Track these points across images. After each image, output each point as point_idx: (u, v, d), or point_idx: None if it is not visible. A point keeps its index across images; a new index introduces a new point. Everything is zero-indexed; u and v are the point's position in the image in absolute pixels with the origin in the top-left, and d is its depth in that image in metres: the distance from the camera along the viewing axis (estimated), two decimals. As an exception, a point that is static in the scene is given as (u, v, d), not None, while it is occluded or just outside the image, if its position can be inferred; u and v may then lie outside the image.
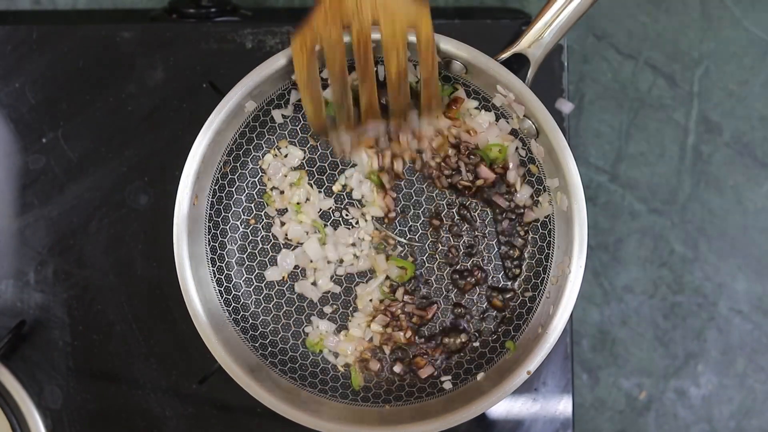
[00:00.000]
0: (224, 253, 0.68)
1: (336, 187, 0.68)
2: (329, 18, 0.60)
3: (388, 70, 0.62)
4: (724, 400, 0.82)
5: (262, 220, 0.68)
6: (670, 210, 0.81)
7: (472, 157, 0.67)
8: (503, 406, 0.72)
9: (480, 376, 0.67)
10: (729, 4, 0.81)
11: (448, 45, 0.64)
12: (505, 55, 0.65)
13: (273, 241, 0.68)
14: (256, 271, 0.68)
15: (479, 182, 0.67)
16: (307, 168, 0.68)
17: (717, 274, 0.82)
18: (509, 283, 0.68)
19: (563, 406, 0.72)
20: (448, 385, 0.67)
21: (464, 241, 0.68)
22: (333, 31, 0.60)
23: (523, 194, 0.67)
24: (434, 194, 0.68)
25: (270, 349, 0.68)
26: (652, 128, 0.81)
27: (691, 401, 0.82)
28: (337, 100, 0.63)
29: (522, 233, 0.68)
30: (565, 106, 0.70)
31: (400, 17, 0.61)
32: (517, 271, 0.68)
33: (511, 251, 0.68)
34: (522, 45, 0.64)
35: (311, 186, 0.68)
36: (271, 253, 0.68)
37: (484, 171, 0.67)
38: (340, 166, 0.68)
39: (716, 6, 0.81)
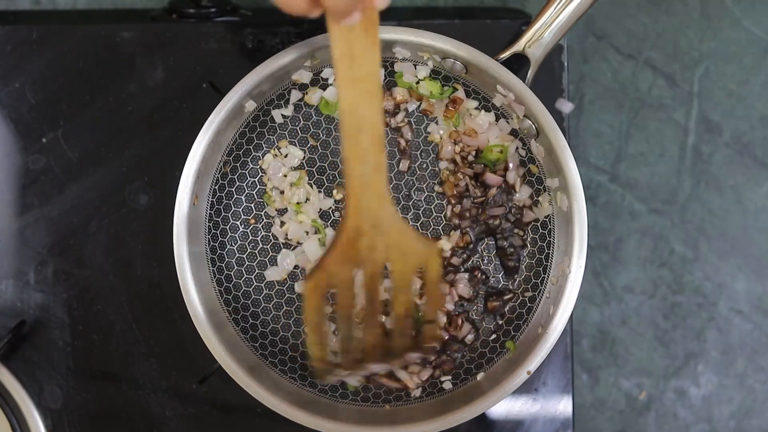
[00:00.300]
0: (224, 253, 0.68)
1: (337, 194, 0.68)
2: (343, 259, 0.59)
3: (395, 308, 0.61)
4: (724, 400, 0.82)
5: (262, 220, 0.68)
6: (670, 210, 0.81)
7: (474, 165, 0.67)
8: (503, 406, 0.72)
9: (480, 376, 0.67)
10: (729, 4, 0.81)
11: (448, 45, 0.64)
12: (505, 55, 0.65)
13: (273, 241, 0.68)
14: (256, 271, 0.68)
15: (492, 192, 0.67)
16: (307, 168, 0.68)
17: (717, 274, 0.82)
18: (509, 284, 0.68)
19: (563, 406, 0.72)
20: (448, 385, 0.67)
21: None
22: (345, 273, 0.59)
23: (522, 194, 0.67)
24: (434, 194, 0.68)
25: (270, 349, 0.68)
26: (652, 128, 0.81)
27: (691, 401, 0.82)
28: (343, 341, 0.61)
29: (522, 233, 0.68)
30: (565, 106, 0.70)
31: (411, 258, 0.60)
32: (516, 272, 0.68)
33: (511, 251, 0.68)
34: (522, 45, 0.65)
35: (311, 186, 0.68)
36: (271, 253, 0.68)
37: (491, 177, 0.67)
38: (340, 166, 0.68)
39: (716, 6, 0.81)
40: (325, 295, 0.61)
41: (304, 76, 0.67)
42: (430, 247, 0.61)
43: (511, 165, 0.67)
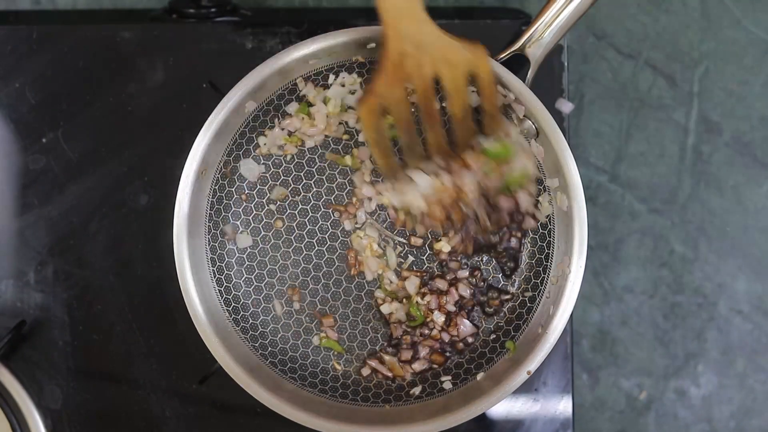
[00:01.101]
0: (224, 253, 0.68)
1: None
2: (392, 81, 0.60)
3: (453, 111, 0.63)
4: (724, 400, 0.82)
5: (262, 220, 0.68)
6: (670, 210, 0.81)
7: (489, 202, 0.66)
8: (503, 406, 0.72)
9: (480, 376, 0.67)
10: (729, 4, 0.81)
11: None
12: (505, 55, 0.65)
13: (273, 241, 0.68)
14: (256, 271, 0.68)
15: (503, 219, 0.66)
16: (307, 168, 0.68)
17: (717, 274, 0.82)
18: (508, 284, 0.68)
19: (563, 406, 0.72)
20: (448, 385, 0.67)
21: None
22: (397, 93, 0.61)
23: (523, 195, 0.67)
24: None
25: (270, 349, 0.68)
26: (652, 128, 0.81)
27: (691, 401, 0.82)
28: (407, 147, 0.64)
29: (521, 233, 0.68)
30: (565, 106, 0.70)
31: (461, 66, 0.61)
32: (516, 272, 0.68)
33: (512, 253, 0.68)
34: (522, 45, 0.65)
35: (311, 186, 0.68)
36: (271, 253, 0.68)
37: (504, 201, 0.66)
38: (341, 165, 0.68)
39: (716, 6, 0.81)
40: (381, 115, 0.62)
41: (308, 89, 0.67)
42: (477, 52, 0.61)
43: (530, 190, 0.66)
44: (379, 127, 0.62)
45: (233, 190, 0.68)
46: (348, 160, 0.68)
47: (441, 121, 0.63)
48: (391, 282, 0.68)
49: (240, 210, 0.68)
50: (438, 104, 0.64)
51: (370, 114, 0.61)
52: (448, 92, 0.62)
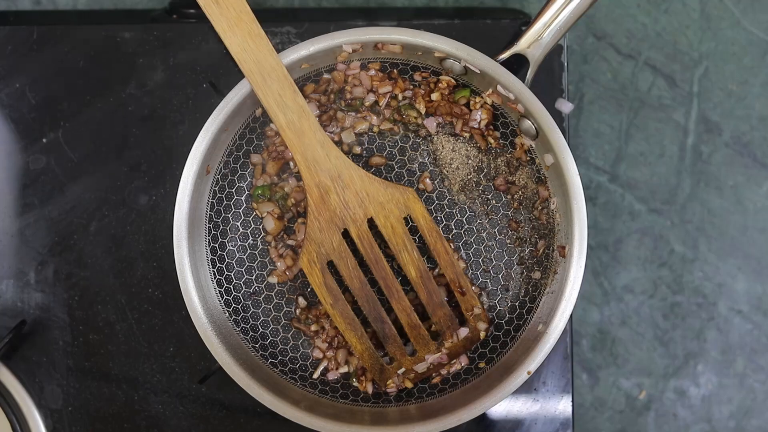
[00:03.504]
0: (224, 253, 0.68)
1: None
2: (323, 225, 0.58)
3: (408, 272, 0.60)
4: (724, 399, 0.82)
5: (262, 220, 0.68)
6: (669, 210, 0.81)
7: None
8: (503, 406, 0.72)
9: (480, 375, 0.67)
10: (729, 4, 0.81)
11: (448, 45, 0.64)
12: (505, 56, 0.65)
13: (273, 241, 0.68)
14: (256, 271, 0.68)
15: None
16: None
17: (717, 274, 0.82)
18: (508, 284, 0.68)
19: (563, 406, 0.72)
20: (447, 385, 0.67)
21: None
22: (333, 238, 0.58)
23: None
24: (434, 195, 0.68)
25: (270, 349, 0.68)
26: (652, 128, 0.81)
27: (691, 401, 0.82)
28: (371, 316, 0.60)
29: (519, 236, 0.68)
30: (565, 106, 0.70)
31: (389, 204, 0.59)
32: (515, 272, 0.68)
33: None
34: (522, 45, 0.65)
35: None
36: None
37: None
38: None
39: (716, 6, 0.81)
40: (325, 267, 0.60)
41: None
42: (402, 191, 0.59)
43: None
44: (329, 281, 0.59)
45: (233, 190, 0.68)
46: None
47: (397, 282, 0.60)
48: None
49: (240, 211, 0.68)
50: (388, 265, 0.60)
51: (313, 265, 0.58)
52: (393, 250, 0.58)
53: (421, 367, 0.63)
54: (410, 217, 0.60)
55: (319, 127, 0.58)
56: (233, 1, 0.56)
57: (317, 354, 0.67)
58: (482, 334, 0.64)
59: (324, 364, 0.67)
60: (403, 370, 0.62)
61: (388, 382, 0.63)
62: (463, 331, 0.63)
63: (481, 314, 0.62)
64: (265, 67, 0.56)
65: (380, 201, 0.58)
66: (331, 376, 0.67)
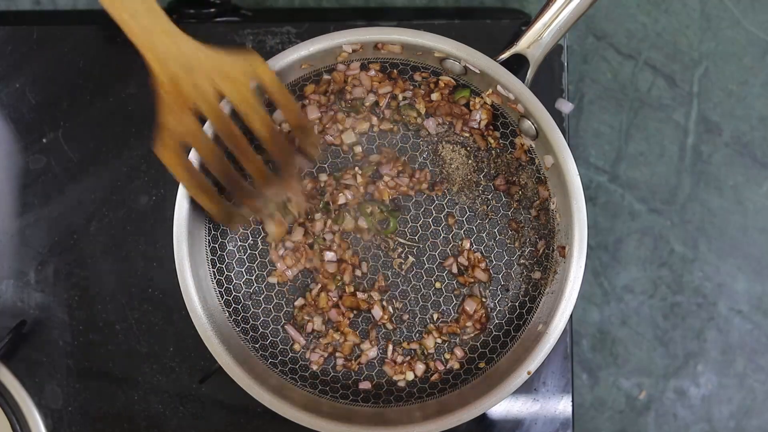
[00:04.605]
0: (224, 253, 0.68)
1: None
2: (175, 109, 0.58)
3: (257, 133, 0.61)
4: (724, 399, 0.82)
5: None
6: (669, 210, 0.81)
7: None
8: (503, 406, 0.72)
9: (480, 375, 0.67)
10: (729, 4, 0.81)
11: (448, 45, 0.64)
12: (505, 56, 0.65)
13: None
14: (256, 271, 0.68)
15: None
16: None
17: (717, 274, 0.82)
18: (509, 284, 0.68)
19: (563, 406, 0.72)
20: (447, 385, 0.67)
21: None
22: (187, 122, 0.58)
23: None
24: (433, 195, 0.68)
25: (270, 349, 0.68)
26: (652, 128, 0.81)
27: (691, 401, 0.82)
28: (228, 183, 0.62)
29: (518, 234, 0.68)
30: (565, 106, 0.70)
31: (239, 77, 0.59)
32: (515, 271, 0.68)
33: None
34: (521, 45, 0.65)
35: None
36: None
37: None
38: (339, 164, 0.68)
39: (716, 6, 0.81)
40: (182, 149, 0.60)
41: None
42: (249, 57, 0.59)
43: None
44: (187, 164, 0.59)
45: (233, 190, 0.68)
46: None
47: (249, 145, 0.61)
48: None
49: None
50: (238, 127, 0.61)
51: (170, 154, 0.58)
52: (239, 110, 0.59)
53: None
54: (262, 84, 0.61)
55: (167, 19, 0.58)
56: None
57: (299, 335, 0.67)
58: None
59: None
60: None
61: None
62: (302, 162, 0.65)
63: None
64: None
65: (230, 75, 0.58)
66: (314, 357, 0.67)
